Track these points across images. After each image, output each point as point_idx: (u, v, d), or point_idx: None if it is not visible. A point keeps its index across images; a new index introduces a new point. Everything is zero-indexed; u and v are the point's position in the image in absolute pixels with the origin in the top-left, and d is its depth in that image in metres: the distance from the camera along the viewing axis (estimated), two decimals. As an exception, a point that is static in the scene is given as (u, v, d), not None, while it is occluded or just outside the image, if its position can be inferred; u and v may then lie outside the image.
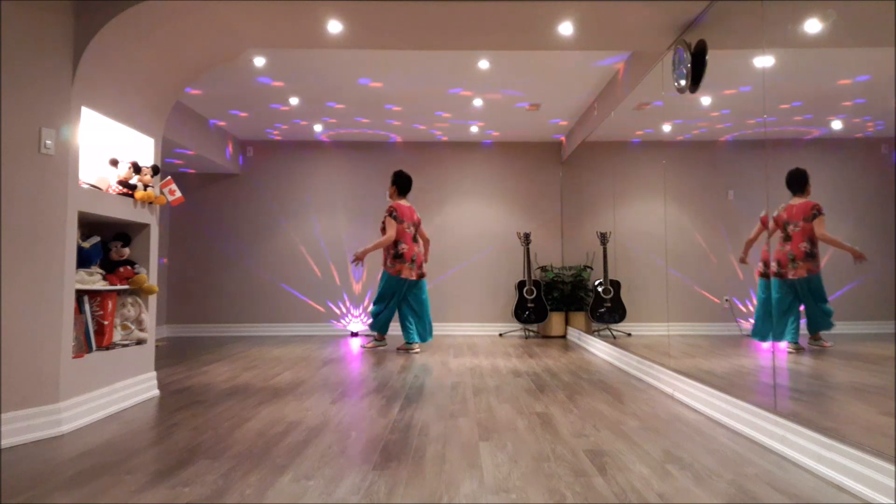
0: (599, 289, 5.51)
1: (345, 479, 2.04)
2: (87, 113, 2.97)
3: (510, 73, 4.90)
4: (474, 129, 6.75)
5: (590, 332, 5.85)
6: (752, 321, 2.64)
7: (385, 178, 7.33)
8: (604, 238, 5.35)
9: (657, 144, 3.93)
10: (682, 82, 3.26)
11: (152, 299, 3.54)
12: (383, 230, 5.34)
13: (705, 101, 3.19)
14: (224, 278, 7.23)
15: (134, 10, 2.89)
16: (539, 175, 7.39)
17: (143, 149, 3.52)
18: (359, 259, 5.27)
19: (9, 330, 2.52)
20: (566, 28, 3.41)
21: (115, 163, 3.29)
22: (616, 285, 5.14)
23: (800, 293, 2.31)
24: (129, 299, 3.40)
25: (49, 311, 2.65)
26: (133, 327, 3.40)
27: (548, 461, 2.23)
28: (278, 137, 7.21)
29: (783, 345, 2.45)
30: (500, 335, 7.06)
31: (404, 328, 5.46)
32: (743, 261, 2.65)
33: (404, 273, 5.31)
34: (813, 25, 2.23)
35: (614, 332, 5.04)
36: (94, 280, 3.04)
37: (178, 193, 3.65)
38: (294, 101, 5.67)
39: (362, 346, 5.59)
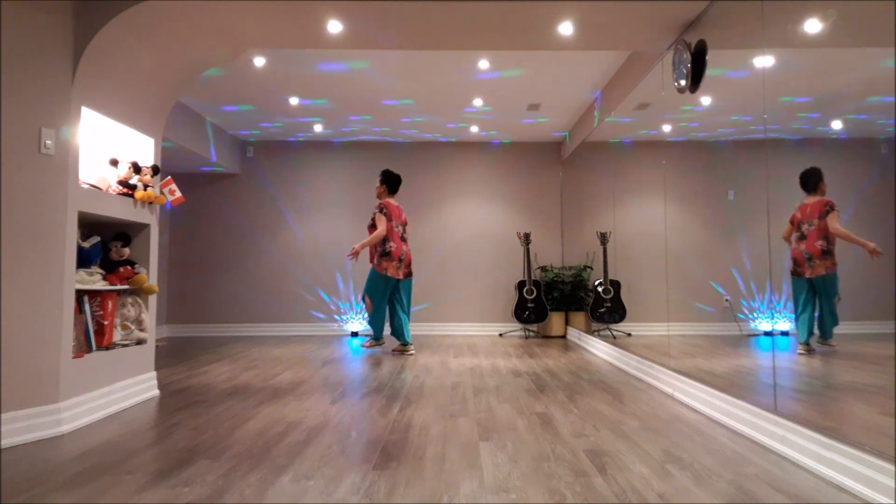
0: (599, 289, 5.51)
1: (345, 479, 2.04)
2: (87, 113, 2.97)
3: (510, 73, 4.90)
4: (474, 129, 6.75)
5: (590, 332, 5.85)
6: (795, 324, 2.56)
7: (385, 178, 7.32)
8: (604, 238, 5.35)
9: (657, 144, 3.93)
10: (682, 82, 3.26)
11: (152, 299, 3.54)
12: (372, 227, 5.24)
13: (705, 101, 3.19)
14: (224, 278, 7.23)
15: (134, 10, 2.88)
16: (539, 175, 7.39)
17: (143, 149, 3.52)
18: (355, 254, 5.14)
19: (9, 330, 2.52)
20: (566, 28, 3.41)
21: (115, 163, 3.29)
22: (616, 285, 5.14)
23: (818, 292, 2.30)
24: (129, 299, 3.40)
25: (49, 311, 2.65)
26: (133, 327, 3.40)
27: (548, 461, 2.23)
28: (278, 137, 7.21)
29: (801, 347, 2.42)
30: (500, 335, 7.06)
31: (396, 329, 5.35)
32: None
33: (390, 272, 5.19)
34: (813, 25, 2.22)
35: (614, 332, 5.04)
36: (94, 280, 3.04)
37: (178, 193, 3.65)
38: (294, 101, 5.67)
39: (363, 346, 5.55)
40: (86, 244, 3.01)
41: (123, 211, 3.23)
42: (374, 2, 3.09)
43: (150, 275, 3.49)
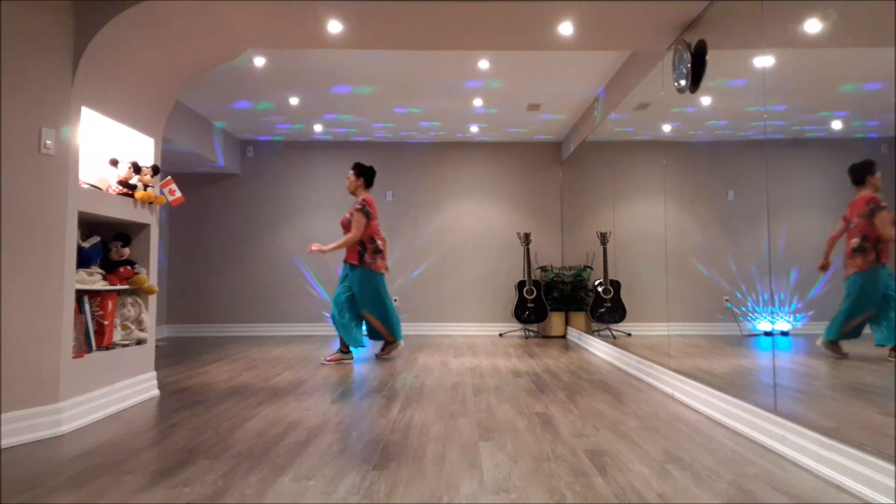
0: (599, 289, 5.51)
1: (345, 479, 2.04)
2: (87, 113, 2.97)
3: (510, 73, 4.90)
4: (474, 129, 6.75)
5: (590, 332, 5.85)
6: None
7: (386, 178, 7.33)
8: (604, 238, 5.35)
9: (657, 144, 3.93)
10: (682, 82, 3.26)
11: (152, 299, 3.54)
12: (347, 226, 4.82)
13: (705, 101, 3.19)
14: (224, 278, 7.23)
15: (134, 10, 2.88)
16: (539, 175, 7.39)
17: (143, 149, 3.52)
18: (320, 251, 4.72)
19: (9, 330, 2.52)
20: (566, 28, 3.41)
21: (115, 163, 3.29)
22: (616, 285, 5.13)
23: (848, 292, 2.15)
24: (129, 299, 3.40)
25: (49, 311, 2.65)
26: (133, 327, 3.40)
27: (548, 461, 2.23)
28: (278, 137, 7.21)
29: (818, 341, 2.25)
30: (500, 335, 7.06)
31: (347, 330, 4.80)
32: (824, 266, 2.27)
33: (382, 270, 4.90)
34: (813, 25, 2.22)
35: (614, 332, 5.04)
36: (94, 280, 3.04)
37: (178, 193, 3.65)
38: (294, 101, 5.67)
39: (377, 356, 5.08)
40: (86, 244, 3.01)
41: (123, 211, 3.23)
42: (374, 2, 3.09)
43: (150, 275, 3.49)
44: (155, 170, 3.49)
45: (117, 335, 3.29)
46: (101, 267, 3.20)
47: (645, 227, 4.17)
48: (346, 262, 4.90)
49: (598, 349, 5.32)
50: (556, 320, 6.87)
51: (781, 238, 2.45)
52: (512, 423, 2.80)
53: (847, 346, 2.20)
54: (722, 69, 2.99)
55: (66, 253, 2.73)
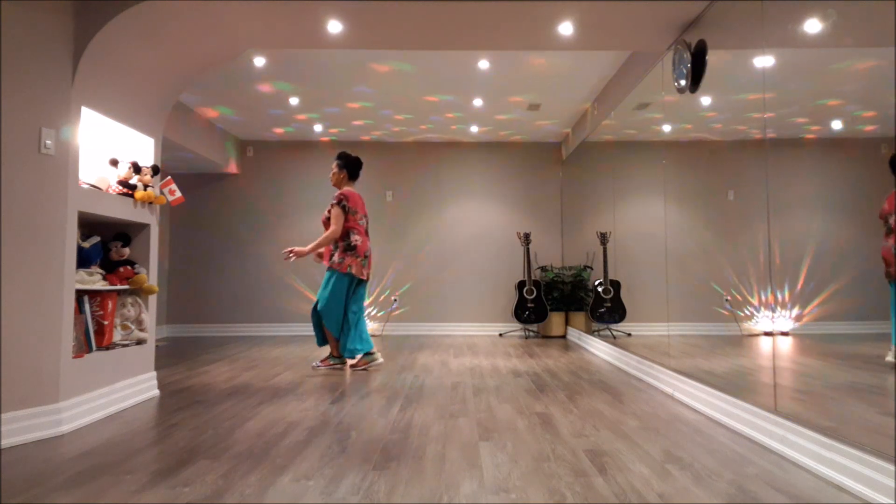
0: (599, 289, 5.51)
1: (345, 479, 2.04)
2: (87, 113, 2.97)
3: (510, 73, 4.90)
4: (474, 129, 6.75)
5: (590, 332, 5.85)
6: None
7: (386, 178, 7.33)
8: (604, 238, 5.35)
9: (657, 144, 3.93)
10: (682, 82, 3.26)
11: (152, 299, 3.54)
12: (327, 222, 4.43)
13: (705, 101, 3.19)
14: (224, 278, 7.23)
15: (134, 10, 2.88)
16: (539, 175, 7.39)
17: (143, 149, 3.52)
18: (296, 256, 4.25)
19: (9, 330, 2.52)
20: (566, 28, 3.41)
21: (115, 163, 3.29)
22: (616, 285, 5.13)
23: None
24: (129, 299, 3.40)
25: (49, 311, 2.65)
26: (133, 327, 3.40)
27: (548, 461, 2.23)
28: (278, 137, 7.21)
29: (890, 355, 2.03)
30: (500, 335, 7.06)
31: (360, 336, 4.41)
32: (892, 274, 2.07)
33: (354, 269, 4.32)
34: (813, 25, 2.22)
35: (614, 332, 5.04)
36: (94, 280, 3.04)
37: (178, 193, 3.65)
38: (294, 101, 5.67)
39: (312, 366, 4.55)
40: (86, 244, 3.01)
41: (123, 211, 3.23)
42: (374, 2, 3.09)
43: (150, 275, 3.49)
44: (155, 170, 3.49)
45: (117, 335, 3.29)
46: (101, 267, 3.20)
47: (645, 227, 4.17)
48: (324, 263, 4.50)
49: (598, 349, 5.32)
50: (556, 320, 6.87)
51: (781, 238, 2.45)
52: (512, 423, 2.80)
53: (847, 346, 2.20)
54: (722, 69, 2.99)
55: (66, 253, 2.73)
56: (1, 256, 2.51)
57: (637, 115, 4.35)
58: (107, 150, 3.32)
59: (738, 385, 2.81)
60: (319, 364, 4.49)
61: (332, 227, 4.32)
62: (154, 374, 3.54)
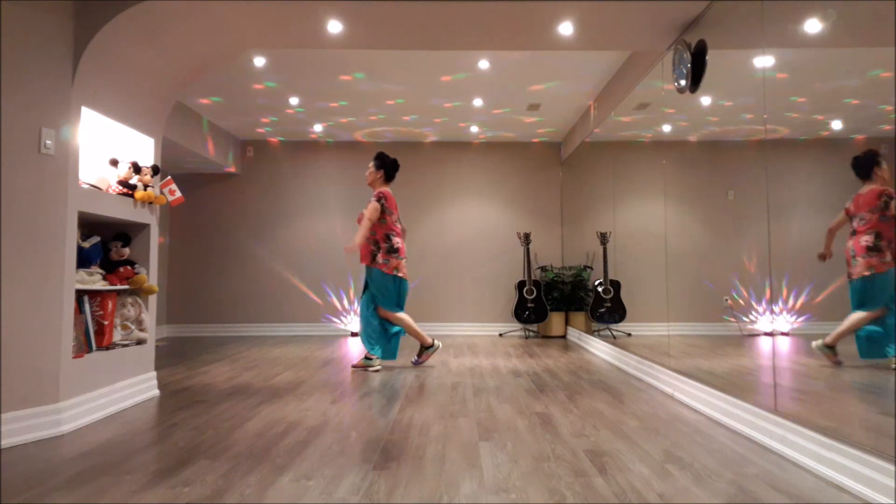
0: (599, 289, 5.51)
1: (345, 479, 2.04)
2: (87, 113, 2.97)
3: (510, 73, 4.90)
4: (474, 129, 6.75)
5: (590, 332, 5.85)
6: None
7: (385, 178, 7.32)
8: (604, 238, 5.35)
9: (657, 144, 3.93)
10: (682, 82, 3.26)
11: (152, 299, 3.54)
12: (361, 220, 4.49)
13: (705, 100, 3.19)
14: (224, 278, 7.23)
15: (134, 10, 2.88)
16: (539, 175, 7.39)
17: (143, 149, 3.52)
18: (353, 250, 4.41)
19: (9, 330, 2.52)
20: (566, 28, 3.41)
21: (115, 163, 3.29)
22: (616, 285, 5.14)
23: (860, 296, 1.95)
24: (129, 299, 3.40)
25: (49, 311, 2.65)
26: (133, 327, 3.40)
27: (548, 461, 2.23)
28: (278, 138, 7.21)
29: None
30: (500, 335, 7.06)
31: (368, 337, 4.50)
32: (824, 256, 2.09)
33: (401, 271, 4.47)
34: (813, 25, 2.22)
35: (614, 332, 5.04)
36: (94, 280, 3.04)
37: (178, 193, 3.65)
38: (294, 101, 5.67)
39: (413, 362, 4.67)
40: (86, 244, 3.01)
41: (123, 211, 3.23)
42: (374, 2, 3.09)
43: (150, 275, 3.49)
44: (155, 170, 3.49)
45: (117, 335, 3.29)
46: (101, 267, 3.20)
47: (645, 227, 4.17)
48: (363, 263, 4.53)
49: (598, 349, 5.32)
50: (556, 320, 6.87)
51: (781, 238, 2.45)
52: (512, 423, 2.80)
53: (847, 346, 2.20)
54: (722, 69, 2.99)
55: (66, 253, 2.73)
56: (1, 256, 2.51)
57: (637, 115, 4.35)
58: (107, 150, 3.32)
59: (738, 385, 2.81)
60: (417, 360, 4.68)
61: (368, 217, 4.38)
62: (154, 374, 3.54)
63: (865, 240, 1.93)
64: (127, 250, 3.37)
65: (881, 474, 1.80)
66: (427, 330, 7.17)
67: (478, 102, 5.71)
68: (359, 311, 4.51)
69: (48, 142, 2.68)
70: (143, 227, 3.50)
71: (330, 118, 6.30)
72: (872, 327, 1.98)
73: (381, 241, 4.47)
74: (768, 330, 2.59)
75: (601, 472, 2.11)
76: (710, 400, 2.94)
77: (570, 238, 6.91)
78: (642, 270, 4.32)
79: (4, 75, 2.54)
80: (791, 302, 2.40)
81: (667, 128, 3.73)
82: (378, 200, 4.44)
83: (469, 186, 7.38)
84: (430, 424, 2.79)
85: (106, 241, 3.32)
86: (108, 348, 3.15)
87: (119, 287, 3.21)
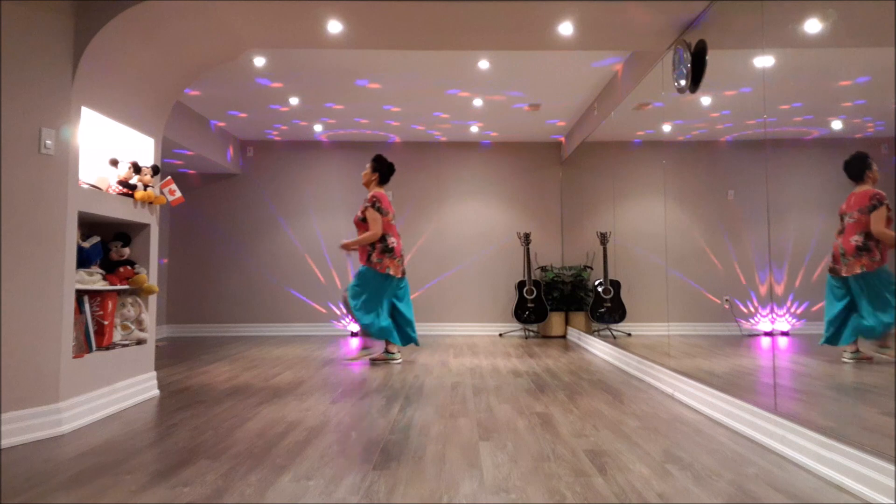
0: (599, 289, 5.51)
1: (345, 479, 2.04)
2: (87, 113, 2.97)
3: (510, 73, 4.90)
4: (474, 129, 6.75)
5: (590, 332, 5.85)
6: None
7: (385, 178, 7.33)
8: (604, 238, 5.35)
9: (657, 144, 3.93)
10: (682, 82, 3.26)
11: (152, 299, 3.54)
12: (362, 223, 4.66)
13: (705, 101, 3.19)
14: (224, 278, 7.23)
15: (134, 10, 2.88)
16: (539, 175, 7.39)
17: (143, 149, 3.52)
18: (347, 248, 4.68)
19: (9, 330, 2.52)
20: (566, 28, 3.41)
21: (115, 163, 3.29)
22: (616, 285, 5.14)
23: (855, 292, 2.04)
24: (129, 299, 3.40)
25: (49, 311, 2.65)
26: (133, 327, 3.40)
27: (548, 461, 2.23)
28: (278, 137, 7.21)
29: (846, 353, 2.17)
30: (500, 335, 7.06)
31: (381, 331, 4.70)
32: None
33: (392, 270, 4.64)
34: (813, 25, 2.22)
35: (614, 332, 5.04)
36: (94, 280, 3.04)
37: (178, 193, 3.65)
38: (294, 101, 5.67)
39: (348, 360, 4.83)
40: (86, 244, 3.01)
41: (123, 211, 3.23)
42: (374, 2, 3.09)
43: (150, 275, 3.49)
44: (155, 170, 3.49)
45: (117, 335, 3.29)
46: (101, 267, 3.20)
47: (645, 227, 4.17)
48: (361, 263, 4.73)
49: (598, 349, 5.32)
50: (556, 320, 6.87)
51: (781, 238, 2.45)
52: (512, 424, 2.80)
53: (846, 346, 2.20)
54: (722, 69, 2.99)
55: (66, 253, 2.73)
56: (1, 256, 2.51)
57: (637, 115, 4.35)
58: (107, 150, 3.32)
59: (738, 385, 2.81)
60: (348, 359, 4.83)
61: (373, 230, 4.57)
62: (154, 374, 3.54)
63: (855, 239, 2.01)
64: (127, 250, 3.37)
65: (881, 474, 1.80)
66: (427, 330, 7.18)
67: (478, 102, 5.71)
68: (350, 308, 4.65)
69: (48, 142, 2.68)
70: (143, 227, 3.50)
71: (330, 118, 6.30)
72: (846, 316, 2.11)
73: (376, 242, 4.62)
74: (768, 330, 2.59)
75: (601, 472, 2.11)
76: (710, 400, 2.94)
77: (570, 238, 6.91)
78: (642, 270, 4.32)
79: (4, 75, 2.54)
80: (791, 302, 2.40)
81: (667, 128, 3.73)
82: (373, 205, 4.61)
83: (469, 186, 7.38)
84: (430, 424, 2.79)
85: (106, 241, 3.32)
86: (108, 348, 3.15)
87: (119, 287, 3.21)
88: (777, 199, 2.47)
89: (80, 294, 2.97)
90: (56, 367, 2.67)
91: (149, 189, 3.42)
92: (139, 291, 3.42)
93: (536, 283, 6.80)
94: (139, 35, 3.08)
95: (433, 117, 6.26)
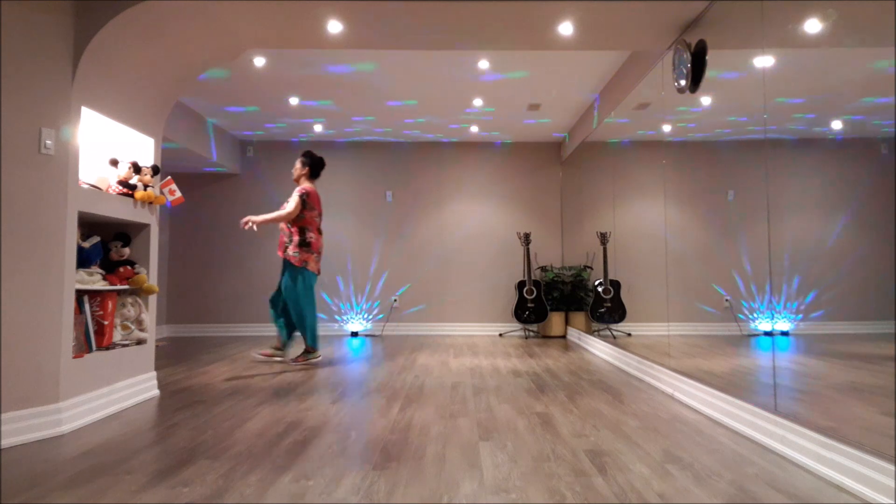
0: (599, 289, 5.51)
1: (345, 479, 2.04)
2: (87, 113, 2.97)
3: (510, 73, 4.89)
4: (474, 129, 6.75)
5: (590, 332, 5.85)
6: None
7: (385, 178, 7.33)
8: (604, 238, 5.35)
9: (657, 144, 3.93)
10: (682, 82, 3.26)
11: (152, 299, 3.54)
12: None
13: (705, 101, 3.19)
14: (224, 278, 7.23)
15: (134, 10, 2.88)
16: (539, 175, 7.39)
17: (143, 149, 3.52)
18: (252, 224, 4.47)
19: (9, 330, 2.52)
20: (566, 28, 3.41)
21: (115, 163, 3.29)
22: (616, 285, 5.13)
23: None
24: (129, 299, 3.40)
25: (49, 311, 2.65)
26: (133, 327, 3.40)
27: (548, 461, 2.23)
28: (279, 137, 7.21)
29: None
30: (500, 335, 7.06)
31: (311, 330, 4.72)
32: None
33: (311, 265, 4.66)
34: (813, 25, 2.22)
35: (614, 332, 5.04)
36: (94, 280, 3.04)
37: (178, 193, 3.65)
38: (294, 101, 5.67)
39: (290, 361, 4.76)
40: (86, 244, 3.01)
41: (123, 211, 3.23)
42: (374, 2, 3.09)
43: (150, 275, 3.49)
44: (155, 170, 3.49)
45: (117, 335, 3.29)
46: (101, 267, 3.20)
47: (645, 227, 4.17)
48: (278, 253, 4.66)
49: (598, 349, 5.32)
50: (556, 320, 6.87)
51: (781, 238, 2.45)
52: (512, 424, 2.80)
53: (847, 346, 2.20)
54: (722, 69, 2.99)
55: (66, 253, 2.73)
56: (1, 256, 2.51)
57: (637, 115, 4.35)
58: (107, 150, 3.32)
59: (738, 385, 2.81)
60: (295, 360, 4.76)
61: (288, 210, 4.57)
62: (154, 374, 3.54)
63: None
64: (127, 250, 3.37)
65: (881, 474, 1.80)
66: (427, 330, 7.18)
67: (478, 102, 5.71)
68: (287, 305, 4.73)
69: (48, 142, 2.68)
70: (143, 227, 3.50)
71: (330, 118, 6.30)
72: None
73: (294, 234, 4.66)
74: (768, 330, 2.59)
75: (601, 472, 2.11)
76: (711, 400, 2.94)
77: (570, 238, 6.91)
78: (642, 270, 4.32)
79: (4, 75, 2.54)
80: (791, 302, 2.40)
81: (667, 128, 3.73)
82: (301, 196, 4.63)
83: (469, 186, 7.38)
84: (430, 424, 2.79)
85: (106, 241, 3.32)
86: (108, 348, 3.15)
87: (119, 287, 3.21)
88: (777, 199, 2.46)
89: (80, 294, 2.97)
90: (56, 367, 2.67)
91: (149, 189, 3.42)
92: (139, 291, 3.42)
93: (536, 283, 6.80)
94: (139, 35, 3.08)
95: (433, 117, 6.26)
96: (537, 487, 1.96)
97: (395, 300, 7.22)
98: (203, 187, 7.29)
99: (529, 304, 6.77)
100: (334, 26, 3.36)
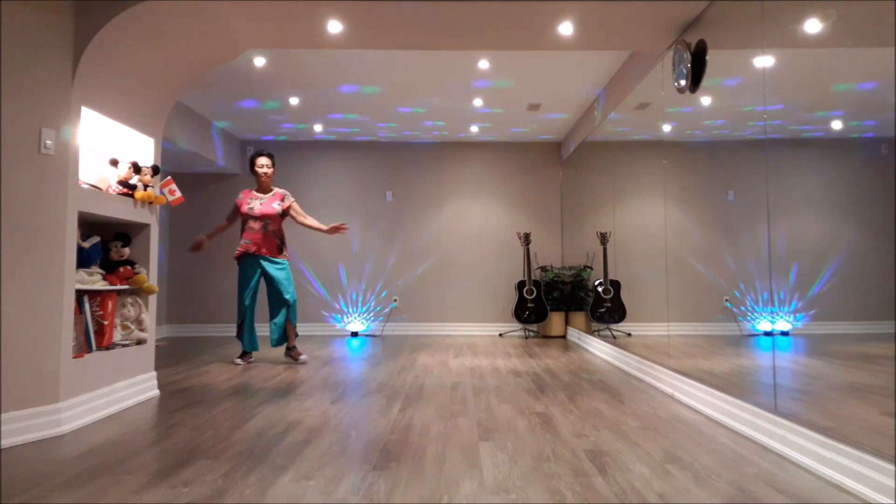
0: (599, 289, 5.51)
1: (345, 479, 2.04)
2: (87, 113, 2.97)
3: (510, 73, 4.90)
4: (474, 129, 6.75)
5: (590, 332, 5.85)
6: None
7: (385, 177, 7.33)
8: (604, 238, 5.35)
9: (657, 144, 3.93)
10: (682, 82, 3.26)
11: (152, 299, 3.54)
12: (279, 217, 4.79)
13: (705, 101, 3.19)
14: (224, 278, 7.23)
15: (134, 11, 2.88)
16: (539, 175, 7.39)
17: (143, 149, 3.52)
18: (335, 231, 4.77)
19: (9, 330, 2.52)
20: (566, 28, 3.41)
21: (115, 163, 3.29)
22: (616, 285, 5.13)
23: None
24: (129, 299, 3.40)
25: (49, 311, 2.65)
26: (133, 327, 3.40)
27: (548, 461, 2.23)
28: (279, 137, 7.21)
29: None
30: (500, 335, 7.06)
31: (252, 332, 4.89)
32: None
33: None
34: (813, 25, 2.23)
35: (614, 332, 5.04)
36: (94, 280, 3.04)
37: (178, 193, 3.65)
38: (294, 101, 5.67)
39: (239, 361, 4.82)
40: (86, 244, 3.01)
41: (123, 211, 3.22)
42: (374, 2, 3.09)
43: (150, 275, 3.49)
44: (155, 170, 3.49)
45: (117, 335, 3.29)
46: (101, 267, 3.20)
47: (645, 227, 4.17)
48: (267, 254, 4.77)
49: (598, 349, 5.32)
50: (556, 320, 6.87)
51: (781, 238, 2.45)
52: (512, 424, 2.80)
53: (847, 346, 2.20)
54: (722, 69, 2.99)
55: (66, 253, 2.73)
56: (1, 256, 2.51)
57: (637, 115, 4.35)
58: (107, 150, 3.32)
59: (738, 385, 2.81)
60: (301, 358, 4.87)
61: (311, 219, 4.91)
62: (154, 374, 3.54)
63: None
64: (127, 250, 3.37)
65: (881, 474, 1.80)
66: (427, 330, 7.19)
67: (478, 102, 5.71)
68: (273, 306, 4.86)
69: (48, 142, 2.67)
70: (143, 227, 3.50)
71: (330, 118, 6.30)
72: None
73: (284, 237, 4.91)
74: (768, 329, 2.59)
75: (601, 472, 2.11)
76: (711, 400, 2.94)
77: (570, 238, 6.91)
78: (642, 270, 4.32)
79: (4, 75, 2.54)
80: (791, 302, 2.40)
81: (667, 128, 3.73)
82: (294, 201, 4.91)
83: (469, 186, 7.38)
84: (430, 424, 2.79)
85: (106, 241, 3.32)
86: (108, 348, 3.15)
87: (119, 287, 3.21)
88: (777, 199, 2.47)
89: (80, 294, 2.97)
90: (56, 367, 2.67)
91: (149, 189, 3.42)
92: (139, 291, 3.42)
93: (536, 283, 6.80)
94: (139, 35, 3.08)
95: (433, 117, 6.26)
96: (537, 487, 1.96)
97: (396, 300, 7.22)
98: (203, 187, 7.29)
99: (529, 304, 6.77)
100: (334, 26, 3.36)
